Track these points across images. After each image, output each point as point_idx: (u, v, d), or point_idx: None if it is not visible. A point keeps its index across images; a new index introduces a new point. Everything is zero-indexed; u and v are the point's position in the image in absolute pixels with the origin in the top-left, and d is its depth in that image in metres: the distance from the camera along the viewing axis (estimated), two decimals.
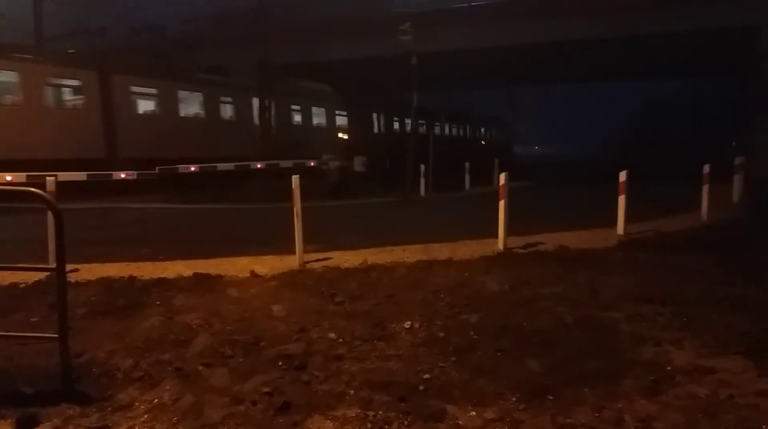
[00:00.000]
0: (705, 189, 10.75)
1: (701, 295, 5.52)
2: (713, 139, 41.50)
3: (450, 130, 39.31)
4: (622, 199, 9.21)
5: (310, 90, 26.67)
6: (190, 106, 21.72)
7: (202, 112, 21.91)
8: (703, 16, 23.32)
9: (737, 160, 13.09)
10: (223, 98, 22.72)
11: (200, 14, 32.68)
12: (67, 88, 18.15)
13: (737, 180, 13.12)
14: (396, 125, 31.96)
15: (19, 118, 16.05)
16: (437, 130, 34.11)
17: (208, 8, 32.50)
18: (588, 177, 25.99)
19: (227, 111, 23.07)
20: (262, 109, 23.62)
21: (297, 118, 26.05)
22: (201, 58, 30.15)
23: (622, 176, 9.14)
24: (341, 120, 28.25)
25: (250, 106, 23.73)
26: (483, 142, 44.43)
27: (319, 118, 27.05)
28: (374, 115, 30.44)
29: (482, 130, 45.89)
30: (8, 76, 16.34)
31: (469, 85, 47.10)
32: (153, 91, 20.07)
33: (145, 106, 20.42)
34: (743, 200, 13.01)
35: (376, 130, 30.71)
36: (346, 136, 27.49)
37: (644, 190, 12.64)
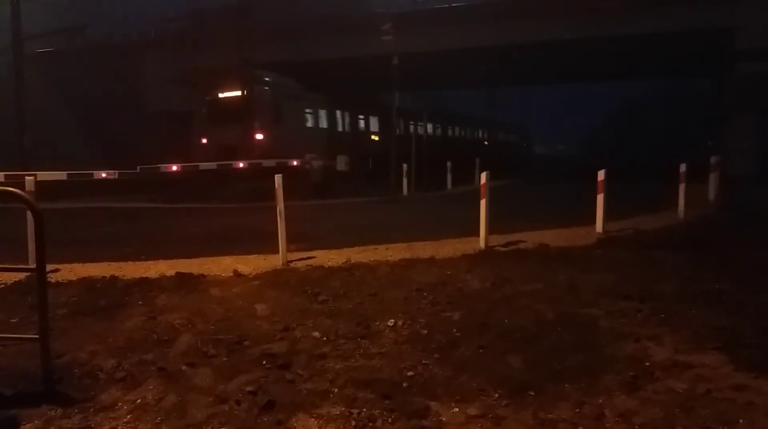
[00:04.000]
0: (681, 187, 10.91)
1: (679, 291, 5.61)
2: (690, 138, 42.08)
3: (484, 134, 44.14)
4: (600, 198, 9.33)
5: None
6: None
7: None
8: (680, 17, 23.58)
9: (712, 159, 13.30)
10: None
11: (182, 14, 32.38)
12: None
13: (713, 179, 13.34)
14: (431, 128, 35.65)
15: None
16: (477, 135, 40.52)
17: (189, 7, 32.19)
18: (568, 175, 26.20)
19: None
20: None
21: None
22: (183, 58, 29.90)
23: (601, 175, 9.26)
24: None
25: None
26: (511, 144, 50.86)
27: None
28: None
29: (511, 134, 52.71)
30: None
31: (451, 86, 47.22)
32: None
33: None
34: (718, 198, 13.23)
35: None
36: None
37: (623, 188, 12.81)
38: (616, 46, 27.00)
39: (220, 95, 14.54)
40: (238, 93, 15.87)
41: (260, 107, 16.80)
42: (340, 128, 24.98)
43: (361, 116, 26.96)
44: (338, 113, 24.17)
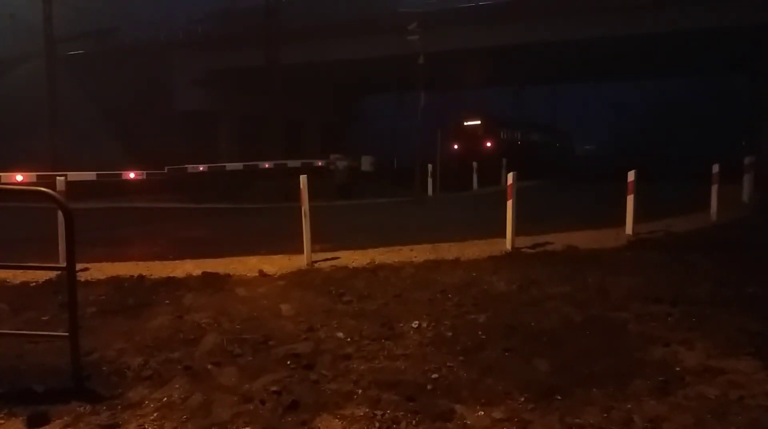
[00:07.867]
0: (714, 189, 10.66)
1: (711, 295, 5.48)
2: (723, 138, 41.20)
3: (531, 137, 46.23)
4: (630, 199, 9.16)
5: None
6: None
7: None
8: (714, 14, 23.09)
9: (747, 160, 12.99)
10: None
11: (209, 15, 32.79)
12: None
13: (747, 179, 13.02)
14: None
15: None
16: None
17: (216, 9, 32.58)
18: (599, 176, 25.83)
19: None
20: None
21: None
22: (210, 59, 30.25)
23: (631, 176, 9.09)
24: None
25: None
26: (555, 145, 52.27)
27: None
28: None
29: (554, 135, 54.09)
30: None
31: (477, 85, 46.99)
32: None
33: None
34: (753, 200, 12.90)
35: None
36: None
37: (654, 189, 12.58)
38: (647, 43, 26.54)
39: (465, 123, 28.74)
40: (477, 122, 31.08)
41: (486, 128, 31.46)
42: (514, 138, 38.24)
43: (526, 130, 40.07)
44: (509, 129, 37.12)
